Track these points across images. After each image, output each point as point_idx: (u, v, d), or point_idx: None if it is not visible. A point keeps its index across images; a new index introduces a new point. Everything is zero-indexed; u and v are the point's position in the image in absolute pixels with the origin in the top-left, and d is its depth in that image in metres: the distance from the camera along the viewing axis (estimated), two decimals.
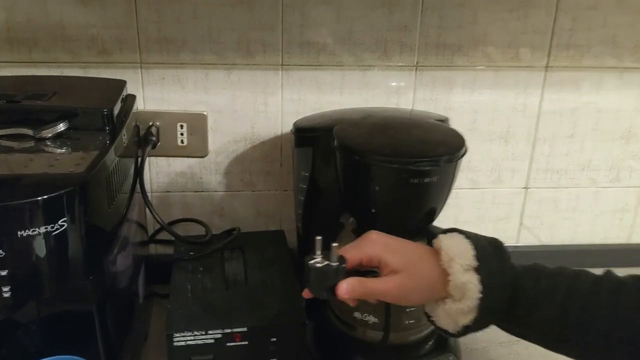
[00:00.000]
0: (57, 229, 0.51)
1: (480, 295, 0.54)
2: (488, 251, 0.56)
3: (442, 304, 0.57)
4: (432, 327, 0.71)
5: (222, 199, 0.90)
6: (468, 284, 0.54)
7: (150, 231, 0.88)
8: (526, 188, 0.94)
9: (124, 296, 0.69)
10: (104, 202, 0.60)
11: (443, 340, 0.72)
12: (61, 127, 0.62)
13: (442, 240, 0.57)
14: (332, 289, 0.56)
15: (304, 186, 0.76)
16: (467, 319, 0.55)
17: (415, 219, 0.67)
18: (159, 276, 0.83)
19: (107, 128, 0.64)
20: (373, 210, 0.66)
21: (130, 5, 0.78)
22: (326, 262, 0.56)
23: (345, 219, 0.73)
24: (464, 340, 0.75)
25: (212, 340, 0.65)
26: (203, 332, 0.64)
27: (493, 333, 0.82)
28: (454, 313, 0.56)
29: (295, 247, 0.84)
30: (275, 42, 0.82)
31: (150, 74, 0.82)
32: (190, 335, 0.64)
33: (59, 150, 0.59)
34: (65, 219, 0.51)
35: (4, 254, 0.48)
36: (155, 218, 0.76)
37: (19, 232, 0.49)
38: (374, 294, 0.57)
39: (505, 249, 0.58)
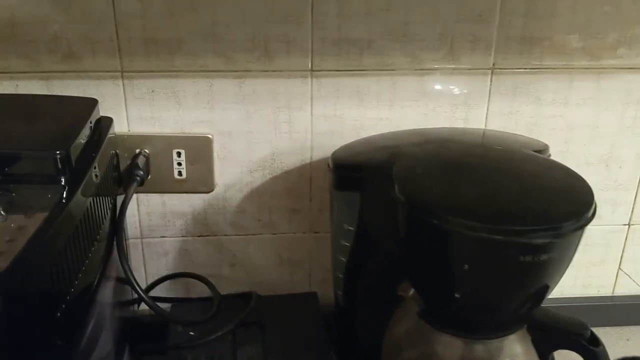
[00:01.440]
0: None
1: None
2: None
3: None
4: None
5: (234, 244, 0.69)
6: None
7: (142, 282, 0.68)
8: (629, 225, 0.72)
9: None
10: (54, 291, 0.39)
11: None
12: None
13: None
14: None
15: (347, 244, 0.54)
16: None
17: (518, 306, 0.45)
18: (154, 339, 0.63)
19: (63, 178, 0.43)
20: (456, 295, 0.45)
21: None
22: None
23: (404, 290, 0.52)
24: None
25: None
26: None
27: None
28: None
29: (329, 310, 0.63)
30: (303, 39, 0.60)
31: (134, 85, 0.61)
32: None
33: None
34: None
35: None
36: (135, 290, 0.55)
37: None
38: None
39: None
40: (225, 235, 0.69)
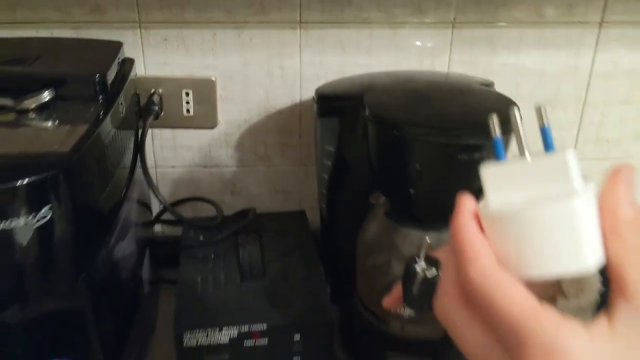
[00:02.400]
0: (40, 220, 0.42)
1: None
2: None
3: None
4: None
5: (234, 175, 0.81)
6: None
7: (155, 210, 0.80)
8: None
9: (126, 287, 0.61)
10: (97, 183, 0.51)
11: None
12: (46, 96, 0.52)
13: None
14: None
15: (329, 162, 0.66)
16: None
17: None
18: (166, 259, 0.75)
19: (101, 97, 0.55)
20: (412, 192, 0.57)
21: None
22: (433, 270, 0.43)
23: (375, 198, 0.64)
24: None
25: (227, 340, 0.57)
26: (217, 330, 0.56)
27: None
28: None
29: (317, 227, 0.75)
30: None
31: (150, 35, 0.72)
32: (202, 334, 0.56)
33: (43, 124, 0.50)
34: (49, 206, 0.42)
35: None
36: (159, 200, 0.67)
37: None
38: None
39: None
40: (227, 166, 0.80)
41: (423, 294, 0.42)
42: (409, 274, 0.42)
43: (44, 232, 0.42)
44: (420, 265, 0.42)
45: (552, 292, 0.42)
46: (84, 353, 0.50)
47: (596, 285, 0.39)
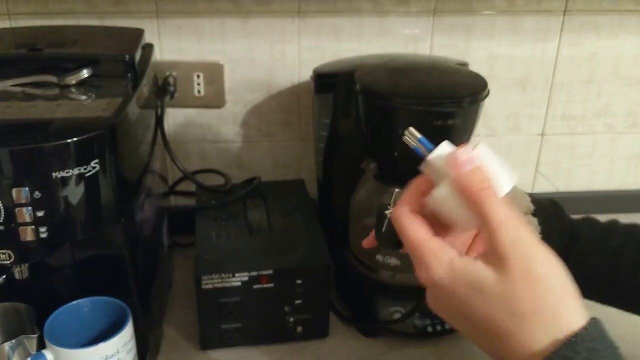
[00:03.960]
0: (90, 171, 0.51)
1: (541, 237, 0.54)
2: (543, 200, 0.55)
3: None
4: None
5: (240, 150, 0.90)
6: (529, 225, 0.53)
7: (170, 183, 0.89)
8: (543, 135, 0.94)
9: (151, 244, 0.71)
10: (130, 148, 0.60)
11: None
12: (85, 74, 0.62)
13: None
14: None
15: (325, 134, 0.76)
16: None
17: None
18: (179, 227, 0.84)
19: (129, 75, 0.64)
20: (396, 154, 0.66)
21: None
22: None
23: (366, 165, 0.74)
24: None
25: (239, 283, 0.66)
26: (230, 275, 0.66)
27: None
28: None
29: (315, 196, 0.85)
30: None
31: (166, 23, 0.81)
32: (218, 279, 0.66)
33: (83, 97, 0.60)
34: (97, 160, 0.51)
35: (40, 195, 0.49)
36: (178, 167, 0.77)
37: (53, 174, 0.49)
38: None
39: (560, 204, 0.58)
40: (233, 142, 0.90)
41: (390, 233, 0.51)
42: (379, 218, 0.52)
43: (93, 180, 0.52)
44: (389, 211, 0.51)
45: None
46: (122, 292, 0.60)
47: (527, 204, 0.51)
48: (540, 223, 0.54)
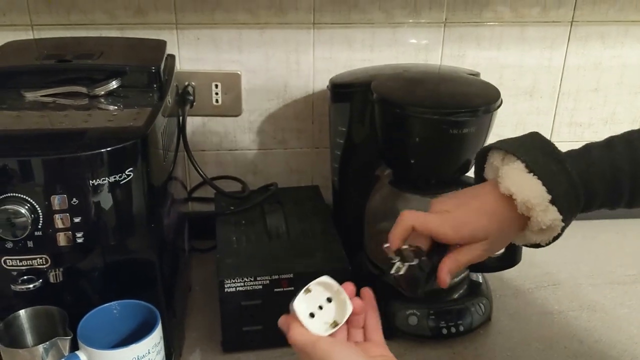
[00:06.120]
0: (124, 179, 0.53)
1: (563, 223, 0.52)
2: (550, 169, 0.52)
3: (522, 235, 0.55)
4: (466, 272, 0.76)
5: (256, 157, 0.93)
6: (553, 221, 0.51)
7: (188, 189, 0.91)
8: None
9: (174, 249, 0.73)
10: (158, 156, 0.62)
11: (476, 285, 0.75)
12: (114, 84, 0.64)
13: (510, 186, 0.52)
14: (426, 282, 0.53)
15: (341, 141, 0.78)
16: (555, 233, 0.53)
17: (451, 170, 0.69)
18: (197, 232, 0.87)
19: (155, 85, 0.66)
20: (412, 161, 0.69)
21: None
22: (407, 265, 0.52)
23: (380, 171, 0.76)
24: (493, 287, 0.79)
25: (260, 287, 0.68)
26: (252, 279, 0.68)
27: (521, 280, 0.86)
28: (538, 237, 0.54)
29: (329, 202, 0.87)
30: (307, 0, 0.83)
31: (185, 34, 0.84)
32: (240, 282, 0.68)
33: (112, 107, 0.62)
34: (131, 169, 0.54)
35: (77, 201, 0.51)
36: (199, 174, 0.79)
37: (90, 181, 0.52)
38: (471, 263, 0.55)
39: (550, 143, 0.57)
40: (249, 149, 0.92)
41: (411, 286, 0.54)
42: (390, 278, 0.55)
43: (126, 188, 0.54)
44: (393, 267, 0.54)
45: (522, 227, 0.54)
46: (149, 295, 0.62)
47: (559, 224, 0.51)
48: (560, 211, 0.51)
